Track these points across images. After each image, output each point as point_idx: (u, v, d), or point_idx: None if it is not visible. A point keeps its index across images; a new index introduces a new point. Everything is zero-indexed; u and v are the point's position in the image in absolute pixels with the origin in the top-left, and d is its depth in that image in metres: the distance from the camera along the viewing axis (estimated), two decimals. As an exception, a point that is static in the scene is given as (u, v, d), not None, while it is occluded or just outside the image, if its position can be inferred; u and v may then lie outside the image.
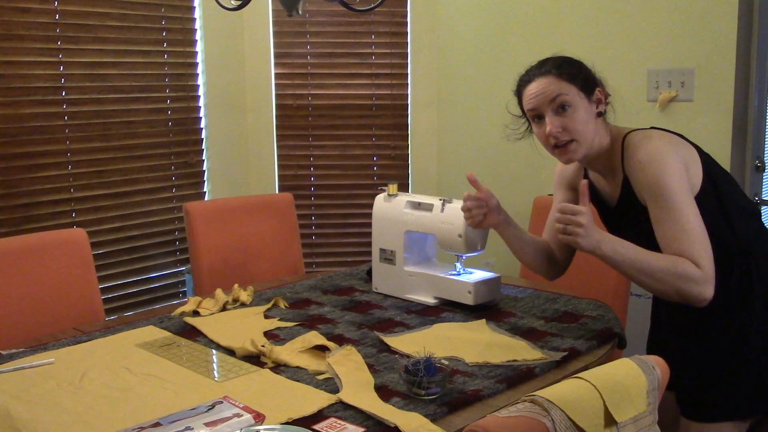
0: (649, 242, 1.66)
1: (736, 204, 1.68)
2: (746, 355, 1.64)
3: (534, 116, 1.72)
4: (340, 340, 1.83)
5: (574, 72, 1.68)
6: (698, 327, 1.70)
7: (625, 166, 1.67)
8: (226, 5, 2.23)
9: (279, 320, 2.01)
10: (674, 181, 1.57)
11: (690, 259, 1.54)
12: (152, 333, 1.93)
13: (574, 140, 1.67)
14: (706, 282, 1.54)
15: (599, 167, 1.78)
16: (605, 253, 1.58)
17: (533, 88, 1.69)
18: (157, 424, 1.31)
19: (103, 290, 3.04)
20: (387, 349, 1.78)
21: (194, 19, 3.42)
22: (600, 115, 1.70)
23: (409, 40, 3.63)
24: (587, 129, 1.67)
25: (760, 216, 1.77)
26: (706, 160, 1.67)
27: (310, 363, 1.68)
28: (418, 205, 2.20)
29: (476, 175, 1.91)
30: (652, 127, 1.73)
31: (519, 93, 1.76)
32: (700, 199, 1.61)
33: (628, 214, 1.70)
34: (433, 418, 1.39)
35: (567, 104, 1.66)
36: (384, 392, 1.52)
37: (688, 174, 1.61)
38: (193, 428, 1.28)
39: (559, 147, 1.69)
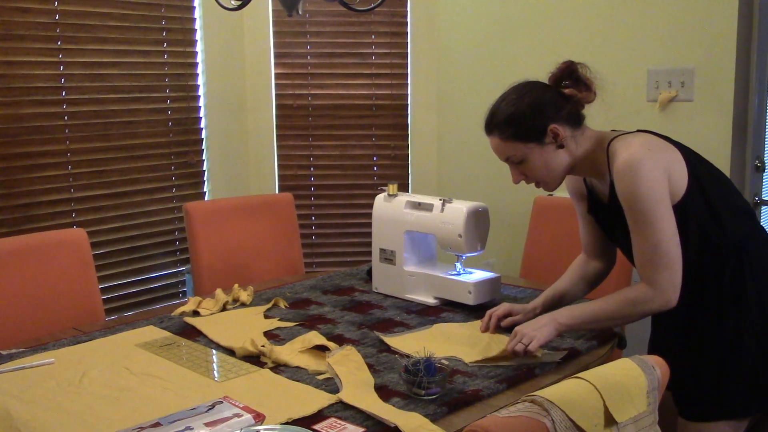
0: None
1: (727, 204, 1.68)
2: (741, 354, 1.64)
3: None
4: (340, 340, 1.83)
5: (514, 129, 1.71)
6: (693, 327, 1.70)
7: (611, 170, 1.68)
8: (226, 5, 2.23)
9: (279, 320, 2.01)
10: (646, 193, 1.58)
11: (647, 276, 1.62)
12: (152, 333, 1.93)
13: (539, 181, 1.76)
14: (659, 295, 1.61)
15: (585, 173, 1.80)
16: (566, 324, 1.71)
17: (490, 144, 1.78)
18: (157, 424, 1.31)
19: (103, 290, 3.04)
20: (387, 349, 1.78)
21: (194, 19, 3.42)
22: (562, 146, 1.71)
23: (409, 40, 3.63)
24: (548, 168, 1.73)
25: (754, 215, 1.77)
26: (693, 161, 1.67)
27: (310, 363, 1.68)
28: (418, 205, 2.20)
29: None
30: (639, 130, 1.73)
31: None
32: (686, 202, 1.62)
33: (617, 214, 1.71)
34: (433, 418, 1.39)
35: (518, 160, 1.73)
36: (384, 392, 1.52)
37: (670, 179, 1.61)
38: (193, 428, 1.28)
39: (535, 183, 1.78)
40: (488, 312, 1.91)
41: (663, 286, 1.60)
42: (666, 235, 1.59)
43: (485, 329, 1.88)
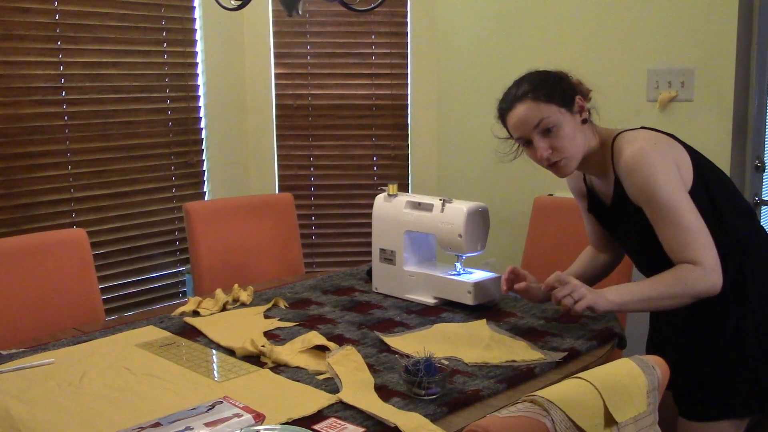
0: (642, 240, 1.67)
1: (729, 203, 1.68)
2: (742, 353, 1.64)
3: (522, 142, 1.74)
4: (340, 340, 1.83)
5: (549, 90, 1.68)
6: (694, 326, 1.70)
7: (615, 168, 1.68)
8: (226, 5, 2.23)
9: (279, 320, 2.01)
10: (663, 180, 1.58)
11: (691, 258, 1.57)
12: (152, 333, 1.93)
13: (566, 157, 1.69)
14: (709, 274, 1.56)
15: (591, 170, 1.79)
16: (615, 301, 1.61)
17: (515, 117, 1.70)
18: (157, 424, 1.31)
19: (103, 290, 3.04)
20: (387, 349, 1.78)
21: (194, 19, 3.42)
22: (585, 121, 1.71)
23: (409, 40, 3.63)
24: (575, 142, 1.69)
25: (755, 215, 1.77)
26: (697, 160, 1.67)
27: (310, 363, 1.68)
28: (418, 205, 2.20)
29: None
30: (643, 127, 1.73)
31: (502, 119, 1.76)
32: (691, 198, 1.62)
33: (622, 213, 1.71)
34: (433, 418, 1.39)
35: (551, 126, 1.67)
36: (384, 392, 1.52)
37: (679, 171, 1.61)
38: (193, 428, 1.28)
39: (552, 165, 1.71)
40: (509, 269, 1.91)
41: (709, 264, 1.56)
42: (693, 216, 1.58)
43: (505, 289, 1.90)
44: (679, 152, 1.65)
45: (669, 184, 1.58)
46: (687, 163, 1.64)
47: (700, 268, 1.56)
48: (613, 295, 1.62)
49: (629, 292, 1.62)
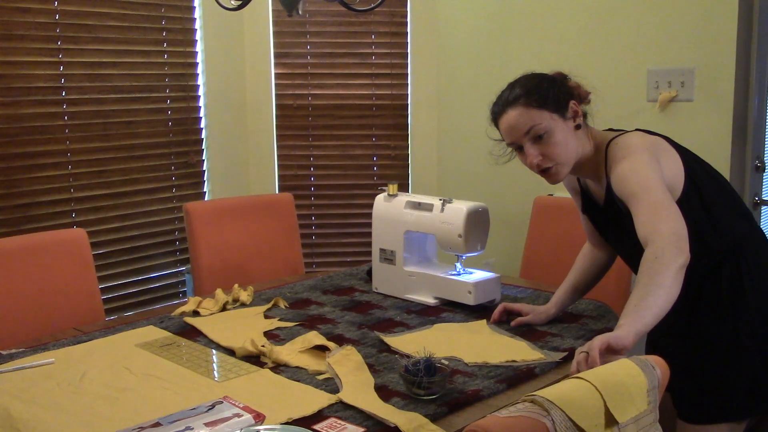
0: (632, 242, 1.66)
1: (725, 205, 1.67)
2: (740, 355, 1.64)
3: (514, 147, 1.73)
4: (340, 340, 1.83)
5: (542, 96, 1.66)
6: (692, 328, 1.69)
7: (608, 173, 1.68)
8: (226, 5, 2.23)
9: (279, 320, 2.01)
10: (643, 168, 1.56)
11: (650, 230, 1.46)
12: (152, 333, 1.93)
13: (557, 163, 1.68)
14: (668, 243, 1.43)
15: (585, 175, 1.78)
16: (631, 328, 1.37)
17: (506, 122, 1.69)
18: (157, 424, 1.31)
19: (103, 290, 3.04)
20: (387, 349, 1.78)
21: (194, 19, 3.42)
22: (578, 127, 1.69)
23: (409, 40, 3.63)
24: (568, 149, 1.67)
25: (752, 217, 1.76)
26: (690, 161, 1.67)
27: (310, 363, 1.68)
28: (418, 205, 2.20)
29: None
30: (637, 129, 1.72)
31: (495, 122, 1.75)
32: (682, 202, 1.60)
33: (613, 215, 1.71)
34: (433, 418, 1.39)
35: (542, 132, 1.65)
36: (384, 392, 1.52)
37: (666, 177, 1.59)
38: (193, 428, 1.28)
39: (544, 171, 1.70)
40: (502, 305, 1.97)
41: (666, 233, 1.43)
42: (666, 196, 1.51)
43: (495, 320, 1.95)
44: (669, 156, 1.64)
45: (647, 170, 1.55)
46: (678, 167, 1.63)
47: (655, 241, 1.43)
48: (625, 327, 1.37)
49: (633, 314, 1.38)
